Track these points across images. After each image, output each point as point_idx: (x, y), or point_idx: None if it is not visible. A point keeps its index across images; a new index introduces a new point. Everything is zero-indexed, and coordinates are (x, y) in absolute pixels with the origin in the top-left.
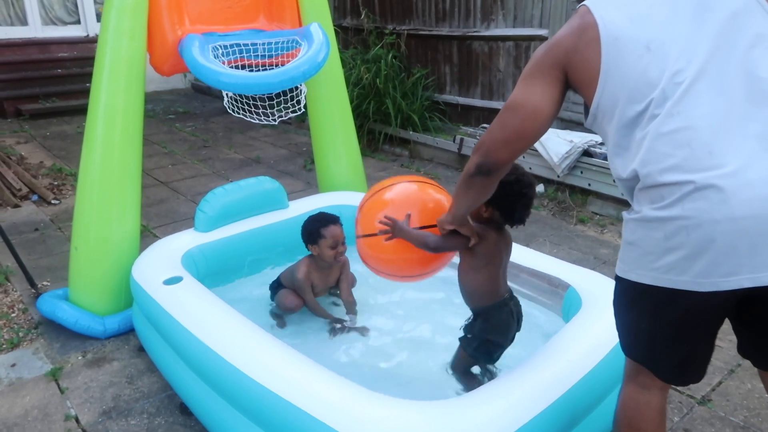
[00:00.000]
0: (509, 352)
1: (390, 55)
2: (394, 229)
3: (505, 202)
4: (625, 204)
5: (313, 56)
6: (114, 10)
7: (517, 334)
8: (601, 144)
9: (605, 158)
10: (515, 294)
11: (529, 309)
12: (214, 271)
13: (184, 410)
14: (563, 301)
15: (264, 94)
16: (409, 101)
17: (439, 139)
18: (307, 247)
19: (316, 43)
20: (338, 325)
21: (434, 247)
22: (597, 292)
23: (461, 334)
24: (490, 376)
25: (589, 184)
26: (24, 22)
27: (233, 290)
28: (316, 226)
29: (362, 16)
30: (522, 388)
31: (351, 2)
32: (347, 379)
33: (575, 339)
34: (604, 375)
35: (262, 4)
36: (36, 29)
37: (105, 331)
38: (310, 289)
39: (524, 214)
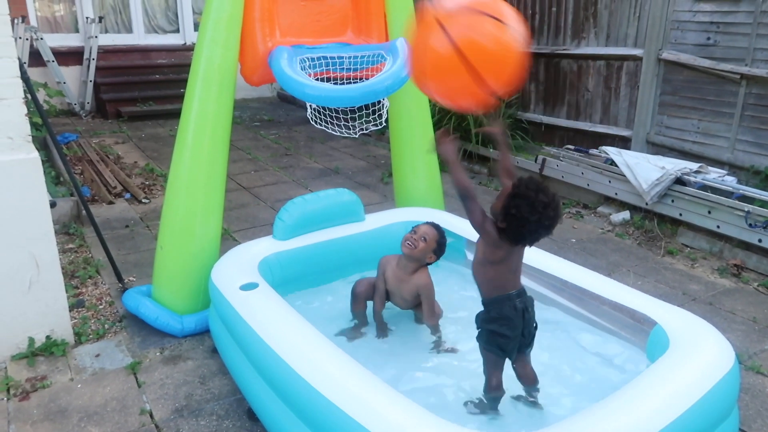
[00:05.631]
0: (583, 384)
1: None
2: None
3: (517, 229)
4: (720, 237)
5: (397, 71)
6: (211, 21)
7: (591, 369)
8: (696, 172)
9: (700, 187)
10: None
11: (609, 344)
12: (289, 279)
13: (252, 416)
14: (648, 338)
15: (347, 107)
16: (491, 118)
17: (521, 158)
18: None
19: (401, 59)
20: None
21: (457, 185)
22: (686, 332)
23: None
24: (532, 404)
25: (681, 214)
26: (129, 29)
27: (306, 299)
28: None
29: None
30: None
31: None
32: (412, 401)
33: (658, 384)
34: (689, 426)
35: (351, 19)
36: (139, 37)
37: (182, 330)
38: (382, 277)
39: (533, 242)
